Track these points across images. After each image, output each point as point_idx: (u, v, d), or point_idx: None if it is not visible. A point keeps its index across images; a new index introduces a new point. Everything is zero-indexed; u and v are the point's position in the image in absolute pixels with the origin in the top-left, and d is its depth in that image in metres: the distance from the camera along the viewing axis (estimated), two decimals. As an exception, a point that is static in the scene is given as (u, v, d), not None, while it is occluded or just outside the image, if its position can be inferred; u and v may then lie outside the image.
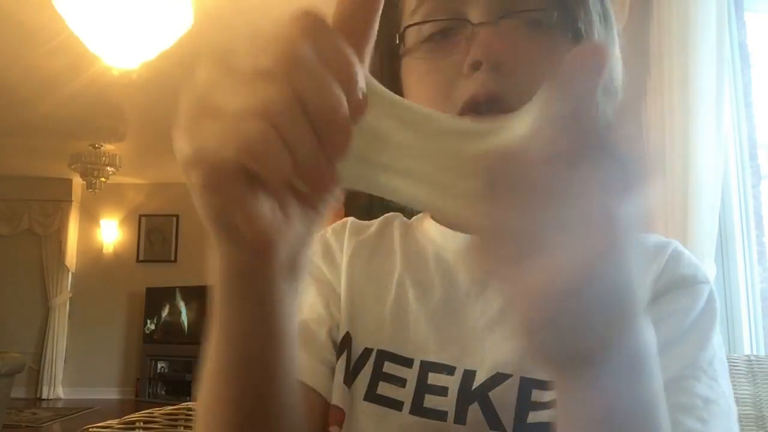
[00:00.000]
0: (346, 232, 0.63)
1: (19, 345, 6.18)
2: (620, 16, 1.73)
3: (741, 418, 0.93)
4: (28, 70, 4.06)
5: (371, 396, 0.52)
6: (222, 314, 0.39)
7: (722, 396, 0.46)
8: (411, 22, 0.53)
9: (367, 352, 0.54)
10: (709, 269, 1.51)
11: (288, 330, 0.39)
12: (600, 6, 0.54)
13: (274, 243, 0.31)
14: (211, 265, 0.39)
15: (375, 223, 0.65)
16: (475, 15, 0.50)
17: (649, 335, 0.31)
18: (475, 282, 0.54)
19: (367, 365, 0.53)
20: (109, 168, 5.82)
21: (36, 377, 6.82)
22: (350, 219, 0.66)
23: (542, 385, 0.48)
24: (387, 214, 0.67)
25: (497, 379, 0.49)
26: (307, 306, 0.59)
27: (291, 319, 0.40)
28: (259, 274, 0.36)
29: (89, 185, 5.91)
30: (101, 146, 5.76)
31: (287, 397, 0.41)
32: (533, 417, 0.47)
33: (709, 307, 0.50)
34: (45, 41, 3.58)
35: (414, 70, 0.54)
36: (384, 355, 0.53)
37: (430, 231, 0.60)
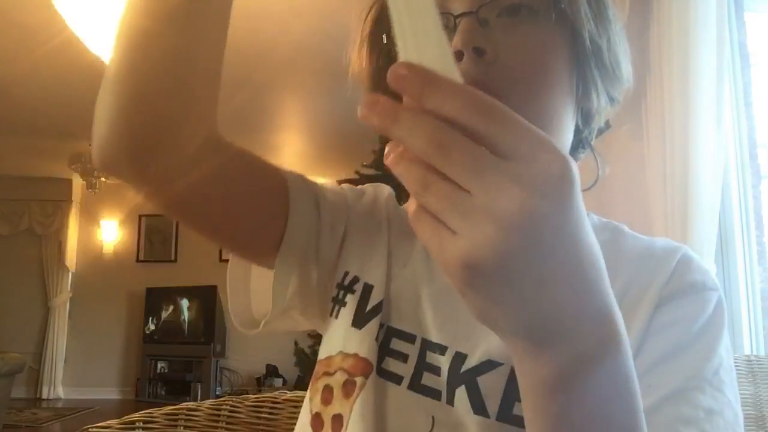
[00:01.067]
0: (392, 201, 0.64)
1: (19, 345, 6.18)
2: (620, 15, 1.73)
3: (741, 418, 0.93)
4: (28, 70, 4.06)
5: (378, 370, 0.52)
6: None
7: (727, 406, 0.45)
8: None
9: (380, 327, 0.54)
10: (708, 269, 1.51)
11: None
12: None
13: None
14: None
15: (368, 188, 0.66)
16: (456, 7, 0.50)
17: (628, 358, 0.32)
18: None
19: (375, 340, 0.53)
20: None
21: (36, 377, 6.82)
22: (389, 189, 0.66)
23: None
24: (375, 183, 0.67)
25: (487, 365, 0.49)
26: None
27: None
28: None
29: (89, 185, 5.91)
30: (101, 146, 5.75)
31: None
32: (519, 409, 0.46)
33: (717, 314, 0.49)
34: (45, 41, 3.58)
35: None
36: (391, 332, 0.54)
37: None
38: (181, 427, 0.76)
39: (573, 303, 0.29)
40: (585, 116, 0.58)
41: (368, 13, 0.61)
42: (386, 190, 0.66)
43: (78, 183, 6.77)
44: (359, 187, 0.66)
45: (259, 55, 3.77)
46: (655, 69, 1.65)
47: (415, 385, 0.51)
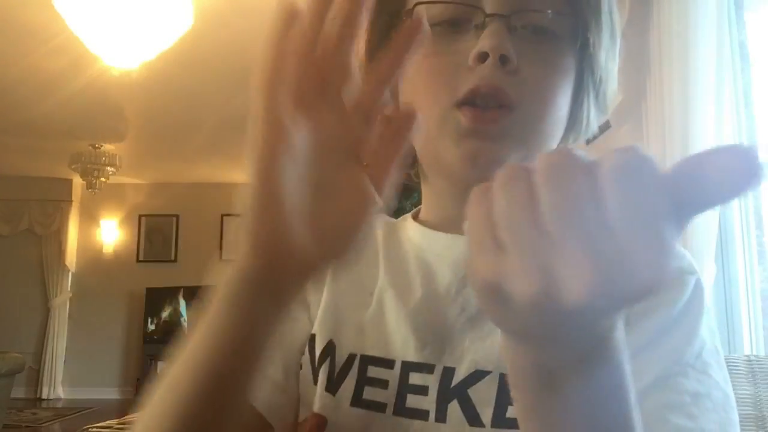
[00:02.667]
0: None
1: (19, 345, 6.18)
2: (620, 15, 1.73)
3: (741, 419, 0.93)
4: (28, 70, 4.06)
5: (357, 401, 0.52)
6: (211, 323, 0.37)
7: (714, 387, 0.45)
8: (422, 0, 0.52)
9: (351, 358, 0.53)
10: (709, 269, 1.51)
11: (267, 355, 0.39)
12: (610, 20, 0.54)
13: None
14: (220, 273, 0.38)
15: None
16: (488, 3, 0.50)
17: (623, 354, 0.31)
18: (454, 281, 0.53)
19: (351, 372, 0.53)
20: (109, 168, 5.81)
21: (36, 377, 6.82)
22: None
23: None
24: None
25: (476, 375, 0.49)
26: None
27: (274, 344, 0.39)
28: (272, 284, 0.36)
29: (89, 185, 5.91)
30: (101, 146, 5.76)
31: (237, 424, 0.39)
32: (511, 412, 0.46)
33: (696, 297, 0.49)
34: (45, 41, 3.58)
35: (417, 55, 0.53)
36: (367, 360, 0.53)
37: (412, 232, 0.59)
38: (181, 427, 0.76)
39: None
40: (564, 137, 0.58)
41: None
42: None
43: (78, 183, 6.77)
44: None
45: (259, 55, 3.76)
46: (655, 69, 1.65)
47: (401, 410, 0.50)
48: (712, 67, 1.51)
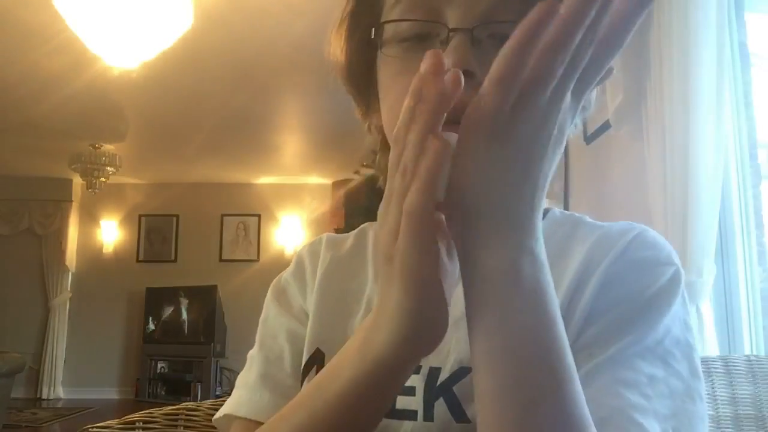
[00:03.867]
0: (322, 248, 0.65)
1: (19, 345, 6.18)
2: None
3: (741, 418, 0.93)
4: (28, 70, 4.06)
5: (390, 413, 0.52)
6: (329, 399, 0.42)
7: (674, 375, 0.45)
8: (389, 18, 0.53)
9: None
10: (708, 269, 1.50)
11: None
12: None
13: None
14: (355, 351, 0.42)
15: (351, 236, 0.67)
16: (452, 18, 0.50)
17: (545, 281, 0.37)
18: None
19: None
20: (109, 168, 5.82)
21: (36, 377, 6.82)
22: (326, 235, 0.68)
23: None
24: (363, 224, 0.68)
25: (461, 372, 0.50)
26: (270, 337, 0.63)
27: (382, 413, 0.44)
28: (406, 369, 0.41)
29: (89, 185, 5.91)
30: (101, 146, 5.76)
31: None
32: None
33: (669, 288, 0.49)
34: (45, 41, 3.58)
35: (388, 67, 0.54)
36: None
37: None
38: (181, 427, 0.76)
39: (530, 200, 0.36)
40: None
41: None
42: (304, 253, 0.67)
43: (78, 183, 6.77)
44: (295, 258, 0.67)
45: (259, 55, 3.77)
46: (655, 69, 1.65)
47: (391, 412, 0.51)
48: (712, 67, 1.51)
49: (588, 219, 0.58)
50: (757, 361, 0.97)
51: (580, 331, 0.47)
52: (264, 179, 6.98)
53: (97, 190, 5.93)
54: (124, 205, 7.26)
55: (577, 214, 0.59)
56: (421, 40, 0.52)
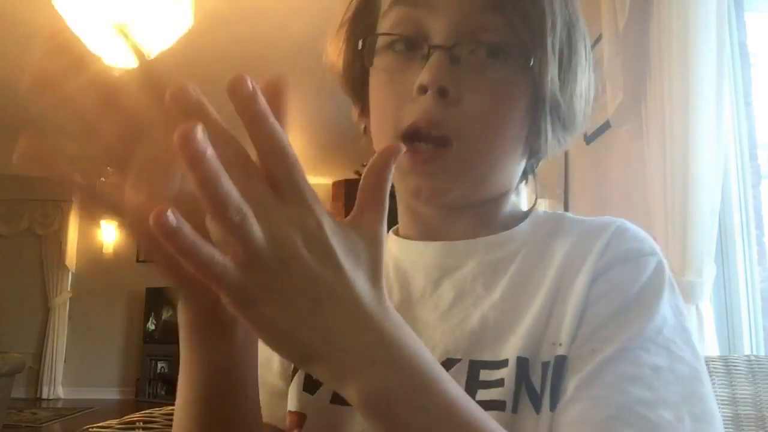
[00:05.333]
0: None
1: (19, 345, 6.18)
2: (620, 15, 1.73)
3: (741, 418, 0.93)
4: (28, 70, 4.06)
5: (337, 398, 0.53)
6: (184, 359, 0.44)
7: (678, 362, 0.45)
8: (379, 31, 0.55)
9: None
10: (708, 269, 1.50)
11: (247, 375, 0.45)
12: (565, 43, 0.54)
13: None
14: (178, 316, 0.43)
15: None
16: (435, 34, 0.52)
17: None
18: (427, 283, 0.57)
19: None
20: (109, 168, 5.81)
21: (36, 377, 6.82)
22: None
23: (489, 365, 0.49)
24: None
25: (447, 364, 0.50)
26: None
27: (249, 364, 0.45)
28: (214, 324, 0.42)
29: (89, 185, 5.91)
30: (101, 146, 5.76)
31: None
32: (482, 395, 0.48)
33: (656, 277, 0.49)
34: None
35: (375, 75, 0.56)
36: None
37: (391, 244, 0.62)
38: (181, 428, 0.76)
39: (353, 327, 0.33)
40: (531, 152, 0.59)
41: None
42: None
43: (78, 183, 6.76)
44: None
45: (259, 55, 3.77)
46: (655, 69, 1.65)
47: None
48: (712, 67, 1.51)
49: (570, 215, 0.59)
50: (757, 361, 0.97)
51: (576, 328, 0.48)
52: (264, 179, 6.98)
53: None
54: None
55: (559, 212, 0.60)
56: (408, 50, 0.54)
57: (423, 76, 0.50)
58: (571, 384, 0.45)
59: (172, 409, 0.77)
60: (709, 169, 1.50)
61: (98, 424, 0.72)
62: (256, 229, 0.30)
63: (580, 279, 0.50)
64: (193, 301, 0.41)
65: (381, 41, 0.55)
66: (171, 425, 0.76)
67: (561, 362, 0.47)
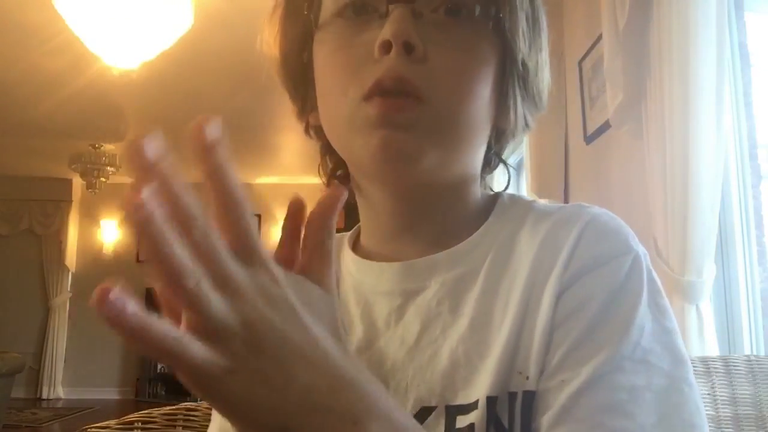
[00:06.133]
0: None
1: (19, 345, 6.18)
2: (620, 15, 1.73)
3: (741, 418, 0.93)
4: (28, 70, 4.06)
5: None
6: None
7: (656, 374, 0.42)
8: None
9: None
10: (708, 269, 1.50)
11: None
12: (529, 6, 0.51)
13: None
14: None
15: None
16: None
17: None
18: (392, 310, 0.52)
19: None
20: (109, 168, 5.82)
21: (36, 377, 6.82)
22: None
23: (463, 410, 0.46)
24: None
25: (423, 413, 0.47)
26: None
27: None
28: None
29: (89, 185, 5.91)
30: (101, 146, 5.76)
31: None
32: None
33: (631, 279, 0.45)
34: (45, 41, 3.58)
35: (325, 45, 0.51)
36: None
37: (350, 263, 0.57)
38: (180, 428, 0.76)
39: (330, 387, 0.30)
40: (498, 135, 0.56)
41: None
42: None
43: (78, 183, 6.77)
44: None
45: (260, 55, 3.76)
46: (655, 69, 1.65)
47: None
48: (712, 67, 1.51)
49: (537, 205, 0.53)
50: (757, 361, 0.97)
51: (543, 356, 0.44)
52: (264, 179, 6.98)
53: (97, 190, 5.93)
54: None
55: (526, 199, 0.55)
56: (358, 14, 0.49)
57: (385, 31, 0.45)
58: (544, 423, 0.42)
59: (172, 410, 0.77)
60: (709, 169, 1.50)
61: (97, 424, 0.72)
62: (214, 296, 0.28)
63: (546, 295, 0.45)
64: None
65: (327, 9, 0.50)
66: (170, 425, 0.76)
67: (530, 398, 0.44)
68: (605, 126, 2.05)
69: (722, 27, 1.53)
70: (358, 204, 0.57)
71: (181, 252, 0.27)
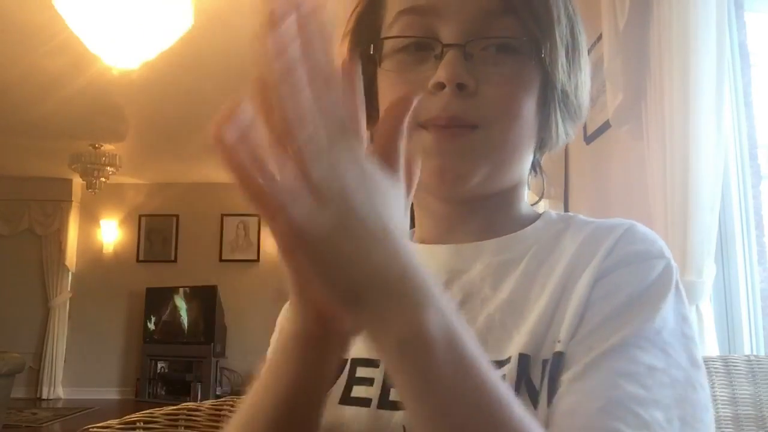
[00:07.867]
0: None
1: (19, 345, 6.18)
2: (620, 15, 1.73)
3: (741, 418, 0.93)
4: (28, 70, 4.06)
5: (345, 400, 0.53)
6: (277, 364, 0.45)
7: (674, 366, 0.45)
8: (387, 35, 0.57)
9: (344, 362, 0.55)
10: (708, 269, 1.50)
11: (328, 386, 0.46)
12: (569, 35, 0.58)
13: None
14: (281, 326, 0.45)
15: None
16: (446, 35, 0.54)
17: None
18: None
19: (342, 375, 0.54)
20: (109, 168, 5.82)
21: (36, 377, 6.82)
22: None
23: (494, 365, 0.49)
24: None
25: None
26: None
27: (334, 375, 0.47)
28: (330, 339, 0.41)
29: (89, 185, 5.91)
30: (101, 146, 5.76)
31: None
32: None
33: (663, 279, 0.50)
34: (45, 41, 3.59)
35: (385, 80, 0.58)
36: (356, 362, 0.55)
37: None
38: (182, 428, 0.76)
39: (389, 265, 0.34)
40: (541, 146, 0.63)
41: (355, 8, 0.62)
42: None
43: (78, 183, 6.77)
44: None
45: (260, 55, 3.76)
46: (655, 69, 1.65)
47: (384, 403, 0.52)
48: (712, 67, 1.51)
49: (581, 217, 0.59)
50: (757, 361, 0.97)
51: (576, 326, 0.48)
52: (264, 179, 6.97)
53: (97, 190, 5.93)
54: (124, 205, 7.26)
55: (571, 213, 0.61)
56: (417, 49, 0.56)
57: (440, 74, 0.52)
58: (565, 378, 0.46)
59: (174, 410, 0.77)
60: (709, 169, 1.50)
61: (98, 424, 0.72)
62: (320, 156, 0.31)
63: (584, 279, 0.50)
64: (313, 313, 0.40)
65: (389, 46, 0.57)
66: (172, 425, 0.76)
67: (558, 359, 0.47)
68: (605, 126, 2.06)
69: (722, 27, 1.53)
70: (414, 204, 0.62)
71: (303, 104, 0.30)
